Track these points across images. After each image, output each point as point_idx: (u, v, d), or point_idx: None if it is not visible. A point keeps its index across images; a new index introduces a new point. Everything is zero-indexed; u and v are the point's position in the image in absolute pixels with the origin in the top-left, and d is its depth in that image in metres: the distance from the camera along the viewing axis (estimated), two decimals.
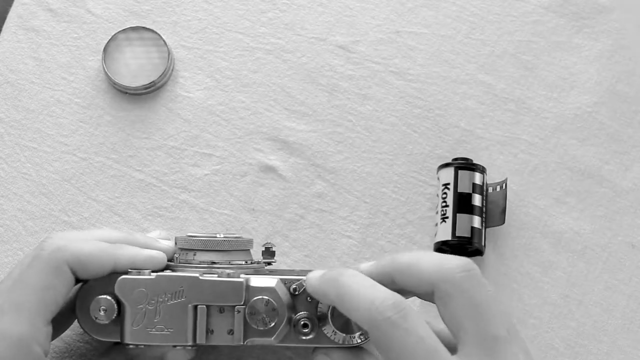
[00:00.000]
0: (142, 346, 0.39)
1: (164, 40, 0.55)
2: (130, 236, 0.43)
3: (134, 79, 0.54)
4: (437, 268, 0.35)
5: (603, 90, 0.56)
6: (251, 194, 0.53)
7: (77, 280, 0.40)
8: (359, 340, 0.39)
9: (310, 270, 0.40)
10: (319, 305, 0.40)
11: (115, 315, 0.39)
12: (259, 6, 0.58)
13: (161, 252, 0.42)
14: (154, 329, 0.38)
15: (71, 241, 0.39)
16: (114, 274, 0.39)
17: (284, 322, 0.39)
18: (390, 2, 0.58)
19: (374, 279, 0.37)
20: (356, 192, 0.53)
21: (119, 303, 0.39)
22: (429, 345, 0.33)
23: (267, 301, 0.38)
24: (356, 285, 0.35)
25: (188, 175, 0.53)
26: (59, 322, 0.41)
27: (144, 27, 0.56)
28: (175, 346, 0.39)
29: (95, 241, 0.40)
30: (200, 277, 0.39)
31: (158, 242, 0.44)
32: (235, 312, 0.38)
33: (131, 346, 0.39)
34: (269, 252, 0.44)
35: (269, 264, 0.44)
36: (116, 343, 0.41)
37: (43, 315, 0.38)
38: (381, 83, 0.56)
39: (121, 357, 0.41)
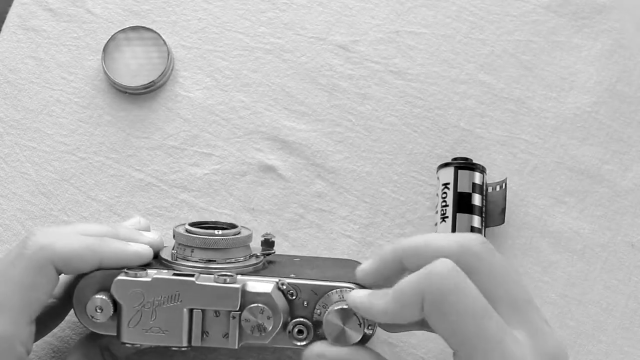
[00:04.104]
0: (139, 345, 0.39)
1: (163, 40, 0.55)
2: (114, 230, 0.42)
3: (134, 78, 0.54)
4: (455, 243, 0.35)
5: (602, 90, 0.56)
6: (251, 193, 0.53)
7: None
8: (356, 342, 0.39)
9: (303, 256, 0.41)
10: (315, 310, 0.39)
11: (111, 314, 0.39)
12: (259, 6, 0.58)
13: (147, 247, 0.41)
14: (149, 330, 0.39)
15: (55, 239, 0.38)
16: (103, 269, 0.39)
17: (279, 327, 0.39)
18: (389, 1, 0.58)
19: (381, 273, 0.37)
20: (356, 192, 0.53)
21: (114, 302, 0.39)
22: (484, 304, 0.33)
23: (262, 309, 0.38)
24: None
25: (188, 175, 0.53)
26: (45, 323, 0.41)
27: (143, 27, 0.56)
28: (170, 347, 0.39)
29: (80, 237, 0.39)
30: (197, 282, 0.39)
31: (142, 235, 0.43)
32: (231, 318, 0.39)
33: (127, 345, 0.39)
34: (267, 243, 0.44)
35: (268, 254, 0.44)
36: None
37: (26, 314, 0.38)
38: (381, 83, 0.56)
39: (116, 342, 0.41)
